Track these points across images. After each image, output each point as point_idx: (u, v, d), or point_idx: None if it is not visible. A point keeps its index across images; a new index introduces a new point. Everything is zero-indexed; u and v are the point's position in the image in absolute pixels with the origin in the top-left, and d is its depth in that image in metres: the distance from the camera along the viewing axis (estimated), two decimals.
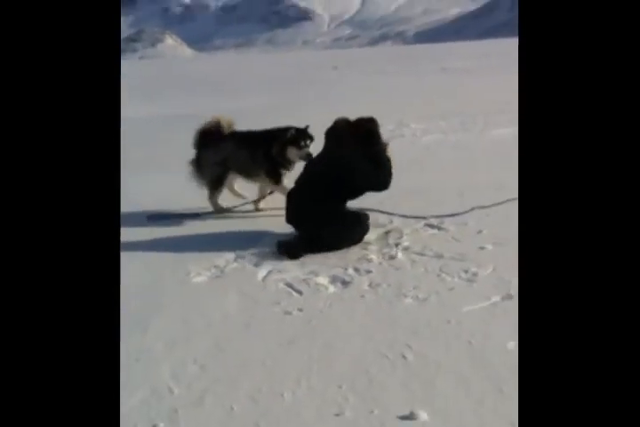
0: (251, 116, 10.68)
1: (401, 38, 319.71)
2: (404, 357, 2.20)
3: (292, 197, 3.55)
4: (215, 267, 3.18)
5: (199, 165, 4.26)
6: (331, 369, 2.15)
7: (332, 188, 3.40)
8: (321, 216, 3.38)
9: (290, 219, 3.52)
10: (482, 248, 3.24)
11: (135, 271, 3.16)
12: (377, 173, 3.47)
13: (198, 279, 3.05)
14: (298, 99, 13.61)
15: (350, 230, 3.40)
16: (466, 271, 2.95)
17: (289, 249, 3.29)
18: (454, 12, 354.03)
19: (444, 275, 2.93)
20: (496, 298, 2.64)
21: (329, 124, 3.68)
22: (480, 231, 3.53)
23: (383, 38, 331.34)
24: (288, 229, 3.80)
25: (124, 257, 3.35)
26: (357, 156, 3.46)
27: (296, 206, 3.48)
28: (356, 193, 3.51)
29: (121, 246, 3.63)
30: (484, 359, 2.15)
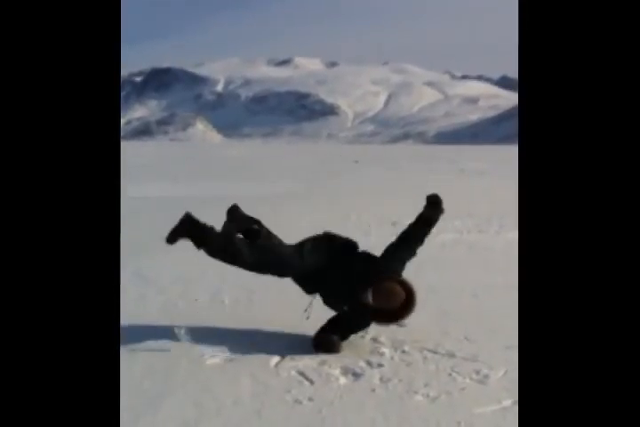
0: (272, 203, 11.02)
1: (421, 138, 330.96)
2: None
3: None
4: (229, 350, 3.22)
5: None
6: None
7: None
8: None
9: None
10: (494, 350, 3.26)
11: (150, 351, 3.21)
12: None
13: (212, 362, 3.09)
14: (318, 189, 14.03)
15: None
16: (477, 372, 2.96)
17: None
18: (474, 116, 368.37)
19: (455, 374, 2.95)
20: (507, 402, 2.64)
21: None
22: (493, 333, 3.56)
23: (404, 137, 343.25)
24: (303, 315, 3.86)
25: (141, 336, 3.43)
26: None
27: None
28: None
29: (138, 325, 3.71)
30: None
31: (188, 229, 3.34)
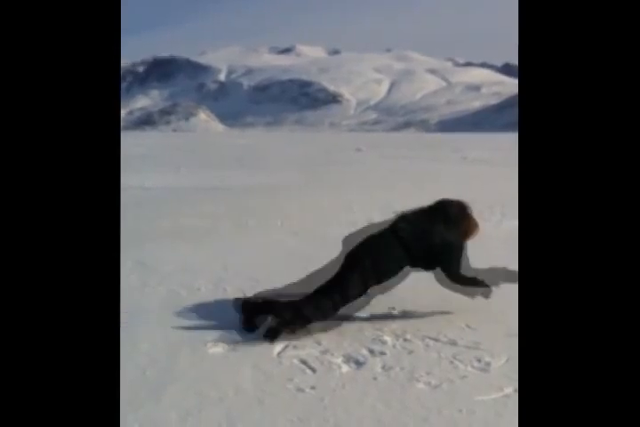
0: (275, 192, 11.03)
1: (424, 126, 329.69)
2: None
3: None
4: (232, 339, 3.23)
5: None
6: None
7: None
8: None
9: None
10: (496, 338, 3.26)
11: (152, 339, 3.22)
12: None
13: (214, 350, 3.10)
14: (321, 177, 14.02)
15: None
16: (479, 360, 2.96)
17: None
18: (477, 104, 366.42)
19: (457, 362, 2.95)
20: (509, 390, 2.64)
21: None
22: (495, 321, 3.56)
23: (407, 125, 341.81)
24: None
25: (143, 325, 3.45)
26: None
27: None
28: None
29: (140, 314, 3.72)
30: None
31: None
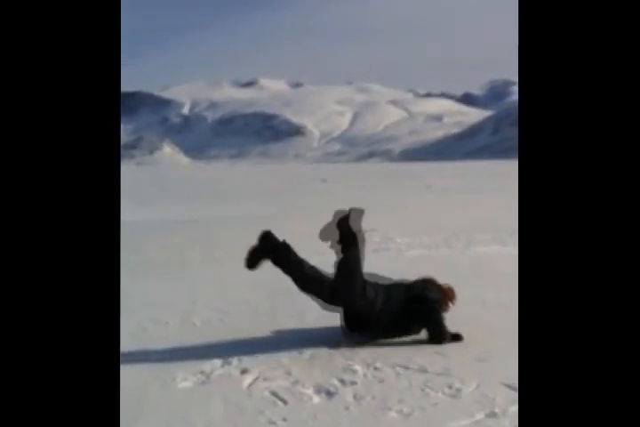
0: (241, 224, 10.99)
1: (387, 156, 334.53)
2: None
3: None
4: (201, 373, 3.19)
5: None
6: None
7: None
8: None
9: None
10: (466, 363, 3.29)
11: (121, 375, 3.15)
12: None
13: (184, 385, 3.04)
14: (287, 209, 14.06)
15: None
16: (450, 387, 2.98)
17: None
18: (438, 134, 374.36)
19: (428, 389, 2.96)
20: (480, 415, 2.66)
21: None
22: (464, 346, 3.60)
23: (370, 155, 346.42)
24: (275, 335, 3.84)
25: None
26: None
27: None
28: None
29: None
30: None
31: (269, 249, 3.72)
